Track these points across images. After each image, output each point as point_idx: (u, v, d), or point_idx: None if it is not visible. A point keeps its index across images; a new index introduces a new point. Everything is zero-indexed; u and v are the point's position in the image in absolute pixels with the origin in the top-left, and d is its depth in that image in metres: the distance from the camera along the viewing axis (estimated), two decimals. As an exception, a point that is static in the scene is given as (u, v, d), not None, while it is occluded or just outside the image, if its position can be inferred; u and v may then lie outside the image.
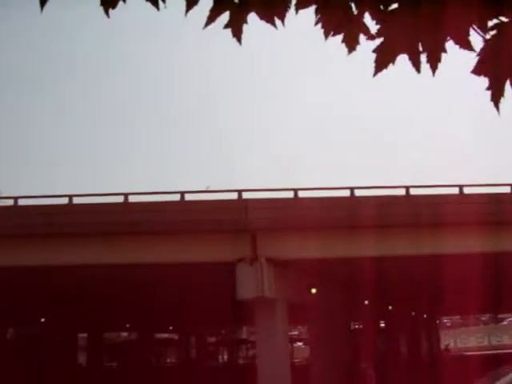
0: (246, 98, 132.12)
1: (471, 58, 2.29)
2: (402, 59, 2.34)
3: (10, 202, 20.89)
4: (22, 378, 32.72)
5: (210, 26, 2.36)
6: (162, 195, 20.96)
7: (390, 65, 2.36)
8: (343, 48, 2.52)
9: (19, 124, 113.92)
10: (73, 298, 28.95)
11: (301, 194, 20.32)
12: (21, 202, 20.66)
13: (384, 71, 2.40)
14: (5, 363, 32.83)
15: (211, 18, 2.28)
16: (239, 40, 2.37)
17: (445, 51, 2.28)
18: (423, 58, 2.32)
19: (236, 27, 2.34)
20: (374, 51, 2.34)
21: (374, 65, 2.35)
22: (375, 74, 2.37)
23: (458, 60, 2.42)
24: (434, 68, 2.31)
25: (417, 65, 2.30)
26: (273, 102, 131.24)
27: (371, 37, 2.35)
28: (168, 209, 19.89)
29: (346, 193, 20.29)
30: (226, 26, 2.33)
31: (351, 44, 2.45)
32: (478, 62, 2.26)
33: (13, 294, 26.53)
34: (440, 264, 22.04)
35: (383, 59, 2.34)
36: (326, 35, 2.50)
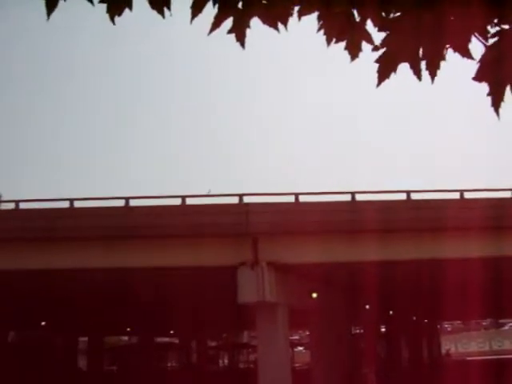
0: (247, 101, 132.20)
1: (473, 63, 2.31)
2: (404, 66, 2.36)
3: (12, 206, 20.91)
4: (21, 381, 32.69)
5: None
6: (164, 199, 20.98)
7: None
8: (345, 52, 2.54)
9: (20, 127, 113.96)
10: (74, 302, 28.92)
11: (302, 199, 20.32)
12: (22, 206, 20.67)
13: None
14: (5, 366, 32.77)
15: (216, 24, 2.30)
16: (243, 44, 2.39)
17: (444, 59, 2.30)
18: (423, 65, 2.34)
19: (239, 32, 2.36)
20: (377, 61, 2.36)
21: (376, 74, 2.37)
22: (378, 84, 2.39)
23: (459, 65, 2.44)
24: (432, 75, 2.32)
25: (418, 73, 2.32)
26: (274, 106, 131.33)
27: (376, 48, 2.36)
28: (169, 213, 19.89)
29: (347, 197, 20.29)
30: (230, 31, 2.35)
31: (354, 51, 2.46)
32: (479, 69, 2.28)
33: (13, 298, 26.51)
34: (441, 269, 22.03)
35: (385, 69, 2.35)
36: (329, 42, 2.52)
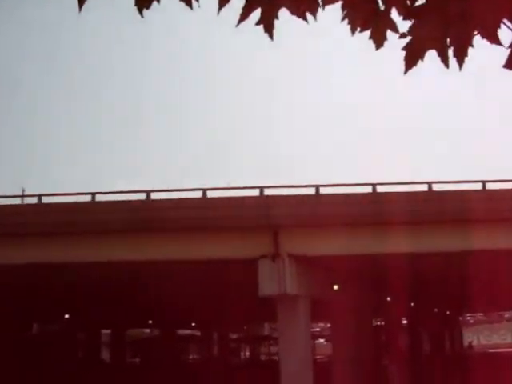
0: (266, 95, 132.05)
1: (502, 51, 2.29)
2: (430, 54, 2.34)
3: (35, 200, 21.09)
4: (45, 372, 33.04)
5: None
6: (184, 192, 21.01)
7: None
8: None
9: (44, 123, 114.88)
10: (96, 295, 29.18)
11: (322, 191, 20.25)
12: (45, 200, 20.84)
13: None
14: (29, 358, 33.15)
15: (244, 15, 2.29)
16: (271, 36, 2.38)
17: (472, 46, 2.28)
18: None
19: (268, 23, 2.35)
20: (404, 49, 2.35)
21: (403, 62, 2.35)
22: (406, 71, 2.37)
23: (488, 52, 2.42)
24: (460, 62, 2.31)
25: (445, 60, 2.30)
26: (293, 99, 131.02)
27: (403, 35, 2.35)
28: (190, 206, 19.94)
29: (368, 189, 20.20)
30: (258, 23, 2.34)
31: (379, 40, 2.45)
32: (510, 56, 2.26)
33: (37, 291, 26.81)
34: (463, 260, 21.88)
35: (413, 56, 2.34)
36: (353, 31, 2.51)
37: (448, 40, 2.27)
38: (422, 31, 2.29)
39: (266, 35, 2.39)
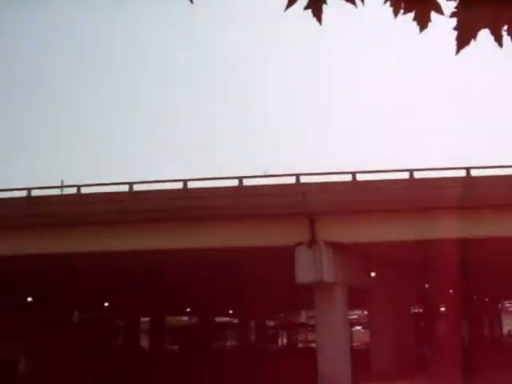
0: (300, 81, 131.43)
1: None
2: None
3: (74, 191, 21.42)
4: (88, 359, 33.61)
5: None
6: (221, 180, 21.11)
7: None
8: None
9: (83, 116, 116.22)
10: (135, 283, 29.55)
11: (359, 177, 20.17)
12: (84, 191, 21.16)
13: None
14: (68, 346, 33.69)
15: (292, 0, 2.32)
16: (319, 20, 2.41)
17: None
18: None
19: (315, 8, 2.37)
20: (455, 28, 2.34)
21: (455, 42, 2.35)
22: (457, 51, 2.37)
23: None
24: None
25: (499, 39, 2.29)
26: (329, 87, 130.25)
27: (454, 14, 2.34)
28: (226, 194, 20.03)
29: (405, 175, 20.05)
30: (307, 7, 2.37)
31: (423, 22, 2.44)
32: None
33: (77, 280, 27.25)
34: (502, 246, 21.58)
35: (465, 36, 2.33)
36: (396, 13, 2.51)
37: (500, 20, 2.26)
38: (473, 10, 2.28)
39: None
